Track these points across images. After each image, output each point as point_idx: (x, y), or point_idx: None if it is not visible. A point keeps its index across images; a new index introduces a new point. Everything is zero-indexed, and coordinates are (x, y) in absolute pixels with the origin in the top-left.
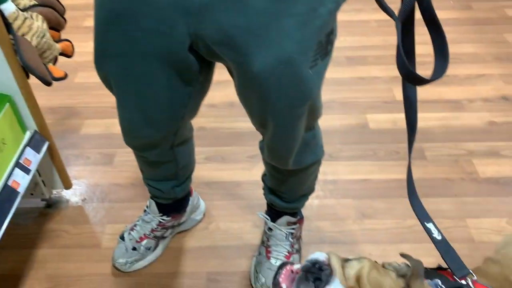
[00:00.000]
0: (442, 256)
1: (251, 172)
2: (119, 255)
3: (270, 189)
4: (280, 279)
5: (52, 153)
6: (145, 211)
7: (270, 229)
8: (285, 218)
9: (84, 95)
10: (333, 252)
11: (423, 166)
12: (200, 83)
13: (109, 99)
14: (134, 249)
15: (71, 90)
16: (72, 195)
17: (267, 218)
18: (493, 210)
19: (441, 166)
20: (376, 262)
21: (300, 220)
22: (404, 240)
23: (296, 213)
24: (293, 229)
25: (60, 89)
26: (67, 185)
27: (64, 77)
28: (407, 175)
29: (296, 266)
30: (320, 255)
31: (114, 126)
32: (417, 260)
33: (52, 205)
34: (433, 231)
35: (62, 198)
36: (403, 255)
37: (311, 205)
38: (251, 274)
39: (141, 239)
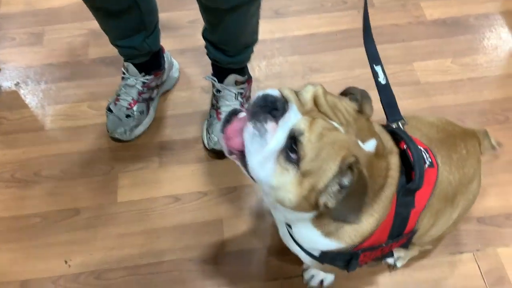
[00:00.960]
0: (381, 101)
1: (193, 38)
2: (114, 126)
3: (212, 44)
4: (229, 127)
5: None
6: (123, 77)
7: (218, 90)
8: (233, 77)
9: None
10: (284, 86)
11: (371, 14)
12: None
13: None
14: (128, 116)
15: None
16: (3, 80)
17: (214, 80)
18: (438, 52)
19: (388, 13)
20: None
21: (249, 80)
22: None
23: (243, 71)
24: (242, 89)
25: None
26: None
27: None
28: (364, 15)
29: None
30: (271, 91)
31: (37, 1)
32: (362, 89)
33: None
34: (379, 75)
35: None
36: (348, 89)
37: (259, 66)
38: (203, 137)
39: (131, 105)
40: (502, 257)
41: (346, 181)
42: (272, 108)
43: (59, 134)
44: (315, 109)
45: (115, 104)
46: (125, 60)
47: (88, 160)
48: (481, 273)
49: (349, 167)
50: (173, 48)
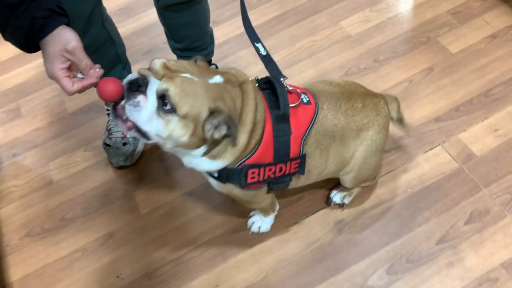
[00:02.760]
0: (265, 67)
1: None
2: (116, 157)
3: (185, 49)
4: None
5: None
6: (108, 113)
7: None
8: (212, 67)
9: None
10: (142, 68)
11: (280, 2)
12: None
13: None
14: (124, 144)
15: None
16: (1, 157)
17: None
18: (357, 7)
19: None
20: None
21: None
22: (300, 60)
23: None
24: None
25: None
26: None
27: None
28: (241, 6)
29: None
30: (131, 75)
31: (5, 81)
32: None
33: None
34: (260, 49)
35: None
36: (195, 58)
37: (220, 64)
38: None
39: (124, 134)
40: (464, 139)
41: (216, 121)
42: (137, 86)
43: (68, 181)
44: (168, 72)
45: (110, 138)
46: None
47: (102, 193)
48: (452, 158)
49: (216, 110)
50: None
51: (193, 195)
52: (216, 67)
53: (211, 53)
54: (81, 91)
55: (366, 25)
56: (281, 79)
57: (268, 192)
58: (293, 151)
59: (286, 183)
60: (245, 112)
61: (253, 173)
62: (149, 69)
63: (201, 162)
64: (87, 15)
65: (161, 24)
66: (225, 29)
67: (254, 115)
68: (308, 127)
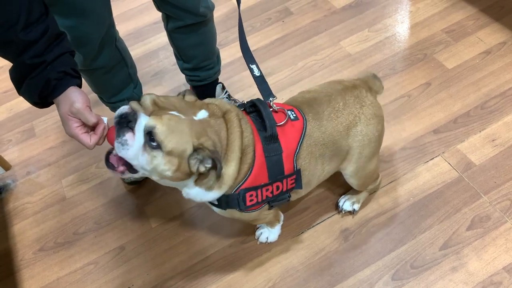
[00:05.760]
0: (258, 87)
1: (160, 86)
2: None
3: (192, 69)
4: (111, 159)
5: None
6: None
7: None
8: (219, 86)
9: None
10: (131, 100)
11: (292, 21)
12: None
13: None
14: None
15: None
16: (15, 175)
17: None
18: (356, 28)
19: (306, 14)
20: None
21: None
22: (302, 78)
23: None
24: (226, 90)
25: None
26: (6, 166)
27: None
28: (239, 33)
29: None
30: (122, 108)
31: (16, 105)
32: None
33: (1, 191)
34: (254, 70)
35: (7, 181)
36: (181, 92)
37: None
38: None
39: None
40: (463, 149)
41: (201, 156)
42: (127, 122)
43: (81, 197)
44: (157, 108)
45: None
46: None
47: (114, 207)
48: (452, 167)
49: (199, 147)
50: None
51: (201, 208)
52: (223, 85)
53: (218, 72)
54: (100, 143)
55: (365, 44)
56: (270, 99)
57: (269, 209)
58: (287, 168)
59: (286, 199)
60: (231, 141)
61: (251, 195)
62: (140, 103)
63: (198, 193)
64: (100, 38)
65: (168, 48)
66: (230, 51)
67: (241, 141)
68: (299, 142)
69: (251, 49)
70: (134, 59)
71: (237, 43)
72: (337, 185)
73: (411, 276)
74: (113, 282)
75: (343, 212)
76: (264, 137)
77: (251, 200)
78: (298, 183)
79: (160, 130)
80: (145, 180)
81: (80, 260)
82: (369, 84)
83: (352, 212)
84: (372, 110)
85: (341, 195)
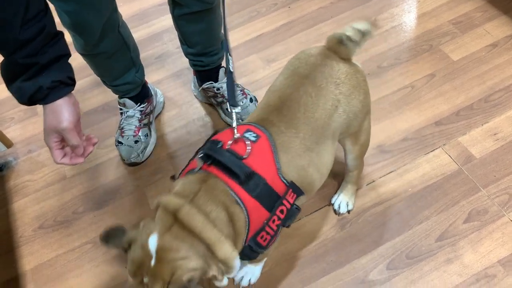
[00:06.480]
0: (227, 87)
1: (163, 69)
2: (128, 154)
3: (197, 54)
4: None
5: None
6: (121, 113)
7: (218, 88)
8: (222, 70)
9: None
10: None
11: (298, 7)
12: None
13: None
14: (136, 142)
15: None
16: (17, 153)
17: (211, 84)
18: (362, 16)
19: (311, 0)
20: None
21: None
22: None
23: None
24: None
25: None
26: (8, 144)
27: None
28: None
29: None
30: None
31: None
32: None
33: (2, 168)
34: (230, 63)
35: (8, 159)
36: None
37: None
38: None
39: (136, 132)
40: (464, 142)
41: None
42: None
43: (81, 177)
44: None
45: (122, 136)
46: (120, 97)
47: (114, 188)
48: (452, 159)
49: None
50: (151, 80)
51: None
52: (225, 70)
53: (222, 58)
54: (67, 165)
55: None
56: (234, 112)
57: (287, 227)
58: (279, 189)
59: (297, 212)
60: (204, 234)
61: (262, 237)
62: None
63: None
64: (102, 24)
65: (173, 31)
66: (234, 36)
67: (212, 222)
68: (274, 160)
69: (256, 34)
70: (138, 41)
71: (241, 29)
72: (334, 173)
73: (406, 266)
74: (110, 261)
75: (341, 213)
76: (239, 182)
77: (264, 240)
78: (298, 192)
79: None
80: (146, 162)
81: (79, 239)
82: (340, 49)
83: (349, 212)
84: (349, 83)
85: (337, 189)
